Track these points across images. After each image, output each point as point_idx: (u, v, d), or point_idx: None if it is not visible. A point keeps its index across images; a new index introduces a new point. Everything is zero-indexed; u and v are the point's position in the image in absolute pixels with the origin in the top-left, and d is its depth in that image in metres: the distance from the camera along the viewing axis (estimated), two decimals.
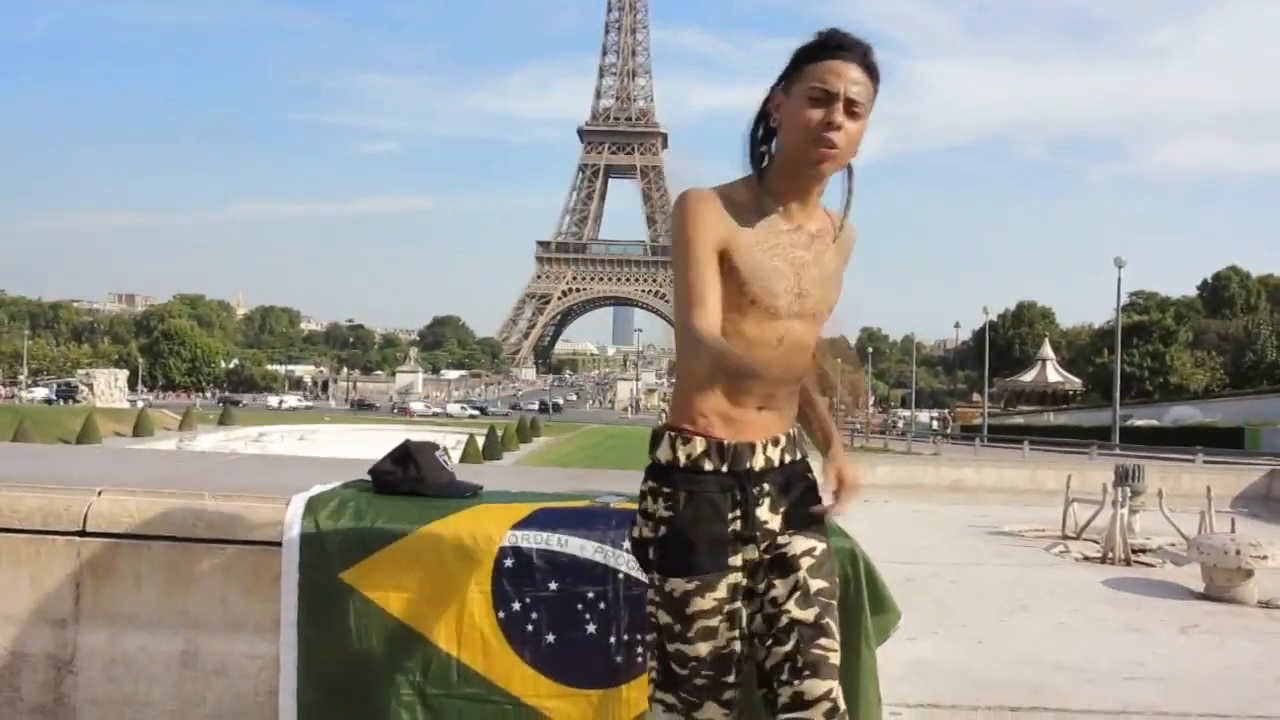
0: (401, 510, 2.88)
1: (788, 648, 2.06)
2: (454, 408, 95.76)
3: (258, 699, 2.81)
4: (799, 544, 2.13)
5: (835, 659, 2.07)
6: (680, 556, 2.06)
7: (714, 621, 2.06)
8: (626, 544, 2.73)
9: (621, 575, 2.76)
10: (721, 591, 2.06)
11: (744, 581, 2.10)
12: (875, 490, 7.49)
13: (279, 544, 2.80)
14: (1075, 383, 62.42)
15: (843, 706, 2.06)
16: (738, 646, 2.10)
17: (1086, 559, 5.72)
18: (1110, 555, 5.61)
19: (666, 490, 2.09)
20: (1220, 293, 73.56)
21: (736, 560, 2.09)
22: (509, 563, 2.79)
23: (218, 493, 2.95)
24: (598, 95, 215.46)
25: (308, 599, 2.79)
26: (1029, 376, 67.73)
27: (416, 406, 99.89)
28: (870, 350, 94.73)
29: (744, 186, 2.10)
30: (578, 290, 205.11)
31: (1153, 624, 4.23)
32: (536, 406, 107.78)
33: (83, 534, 2.84)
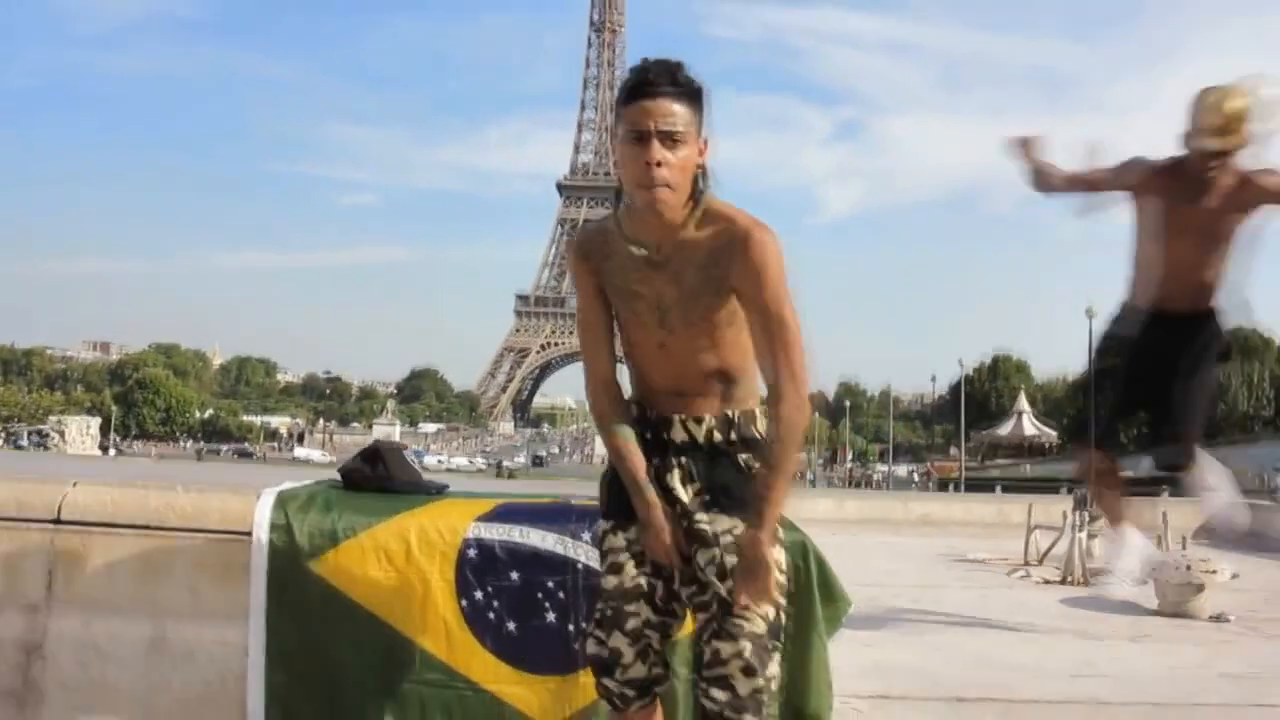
0: (369, 504, 2.97)
1: (707, 615, 2.28)
2: (459, 460, 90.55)
3: (224, 685, 2.87)
4: (721, 523, 2.32)
5: (749, 626, 2.22)
6: (606, 501, 2.43)
7: (621, 558, 2.35)
8: (586, 535, 2.85)
9: (581, 566, 2.85)
10: (631, 533, 2.36)
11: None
12: (844, 525, 7.55)
13: (249, 534, 2.88)
14: (1051, 435, 62.81)
15: (762, 667, 2.22)
16: (643, 583, 2.33)
17: (1047, 582, 5.83)
18: (1070, 578, 5.72)
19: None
20: None
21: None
22: (472, 553, 2.88)
23: (190, 486, 3.04)
24: (576, 150, 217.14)
25: (276, 587, 2.86)
26: (1005, 429, 68.07)
27: (314, 455, 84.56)
28: (848, 404, 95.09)
29: (617, 218, 2.35)
30: (556, 344, 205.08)
31: (1104, 633, 4.34)
32: (530, 460, 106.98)
33: (57, 522, 2.92)
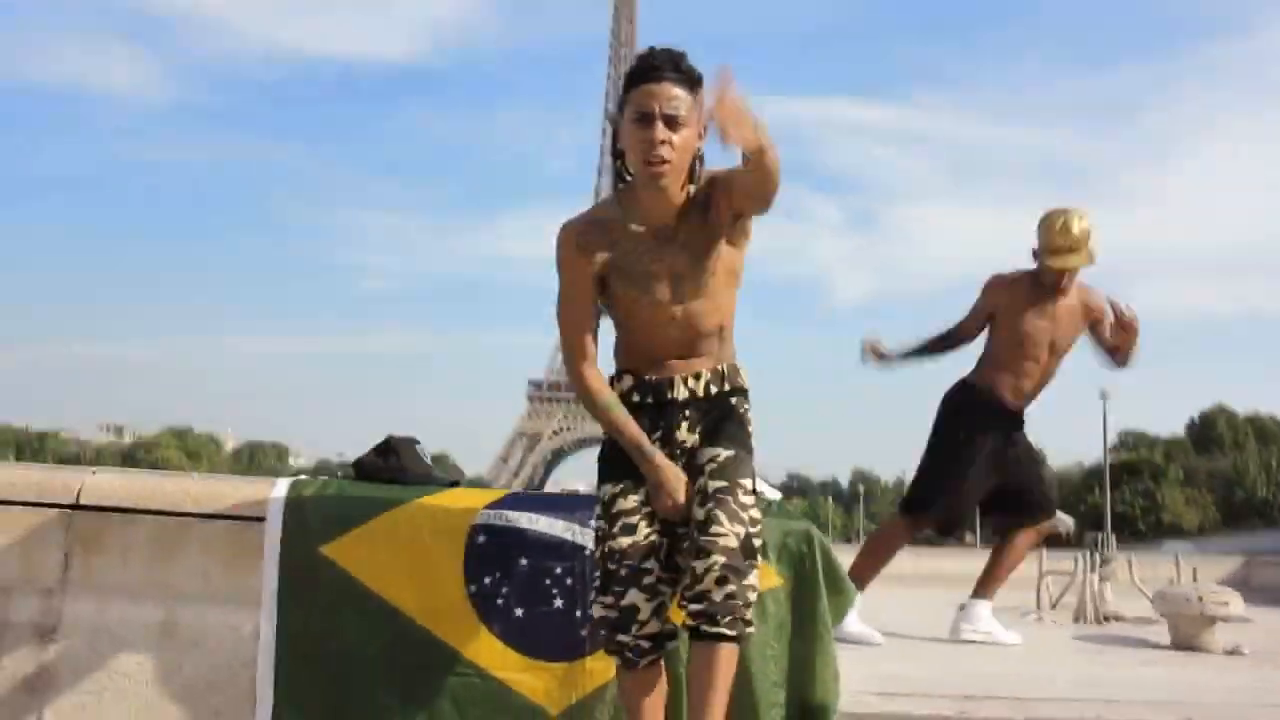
0: (382, 491, 3.02)
1: (689, 541, 2.41)
2: None
3: (233, 669, 2.89)
4: (706, 453, 2.52)
5: (725, 540, 2.35)
6: (610, 467, 2.54)
7: (634, 519, 2.45)
8: (593, 523, 2.88)
9: (588, 553, 2.87)
10: (641, 495, 2.49)
11: None
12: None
13: (262, 519, 2.93)
14: (1069, 522, 62.00)
15: (740, 576, 2.33)
16: (655, 539, 2.44)
17: (1056, 623, 5.79)
18: (1082, 619, 5.69)
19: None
20: (1208, 431, 73.93)
21: None
22: (481, 539, 2.91)
23: (206, 475, 3.09)
24: None
25: (288, 571, 2.90)
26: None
27: None
28: (862, 491, 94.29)
29: (613, 204, 2.54)
30: (568, 429, 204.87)
31: (1114, 660, 4.32)
32: None
33: (76, 507, 2.97)
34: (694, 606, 2.32)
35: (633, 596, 2.38)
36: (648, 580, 2.40)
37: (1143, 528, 55.38)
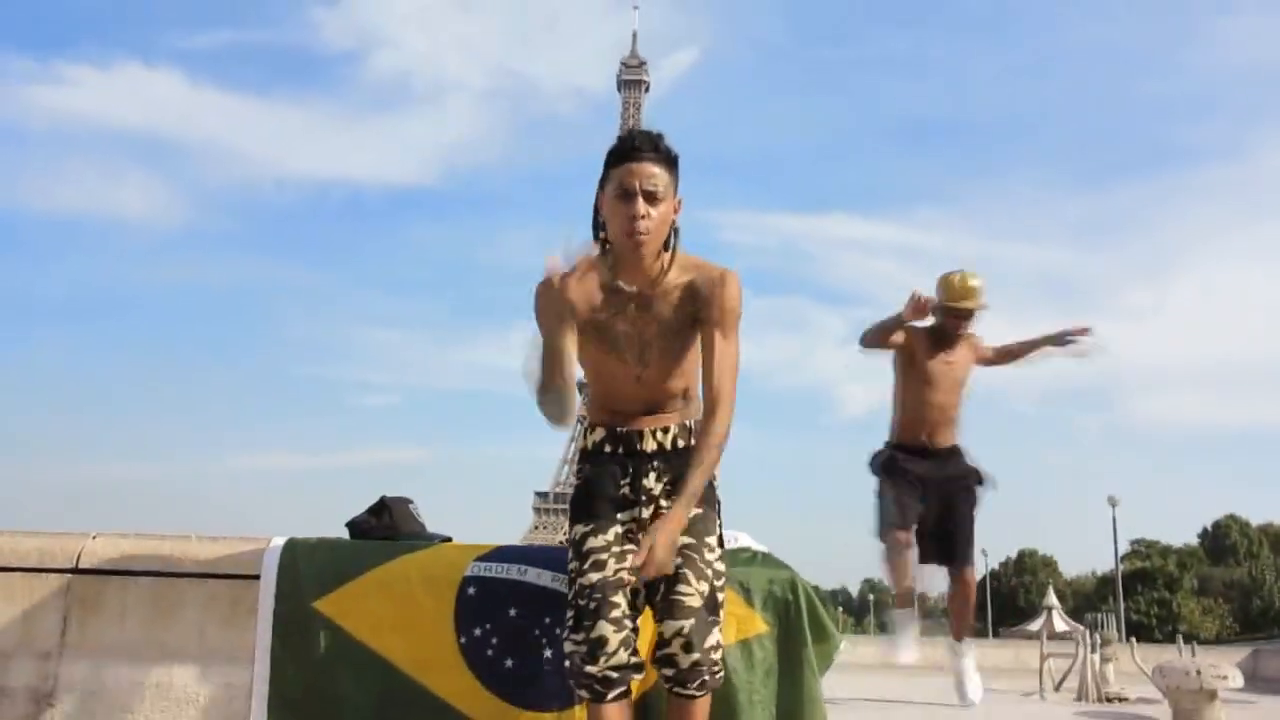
0: (374, 548, 3.09)
1: (657, 596, 2.55)
2: None
3: None
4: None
5: (691, 601, 2.50)
6: (582, 509, 2.66)
7: (604, 556, 2.56)
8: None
9: None
10: (610, 535, 2.60)
11: (629, 530, 2.63)
12: (853, 669, 7.48)
13: (258, 577, 2.99)
14: (1082, 631, 60.87)
15: (703, 639, 2.48)
16: (625, 576, 2.53)
17: (1059, 704, 5.74)
18: (1084, 698, 5.63)
19: (581, 467, 2.74)
20: (1221, 540, 72.99)
21: (624, 515, 2.65)
22: (471, 591, 2.97)
23: (204, 536, 3.17)
24: None
25: (281, 626, 2.95)
26: (1035, 625, 65.78)
27: None
28: (873, 600, 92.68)
29: (595, 265, 2.68)
30: None
31: None
32: None
33: (76, 570, 3.03)
34: (665, 670, 2.51)
35: (601, 628, 2.46)
36: (615, 613, 2.48)
37: (1159, 637, 54.21)
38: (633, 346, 2.65)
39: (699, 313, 2.61)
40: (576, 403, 2.65)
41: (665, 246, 2.62)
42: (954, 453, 4.96)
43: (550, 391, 2.61)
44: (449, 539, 3.26)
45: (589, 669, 2.46)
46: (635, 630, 2.53)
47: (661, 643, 2.50)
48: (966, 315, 4.82)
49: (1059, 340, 5.04)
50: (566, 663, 2.52)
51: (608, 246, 2.65)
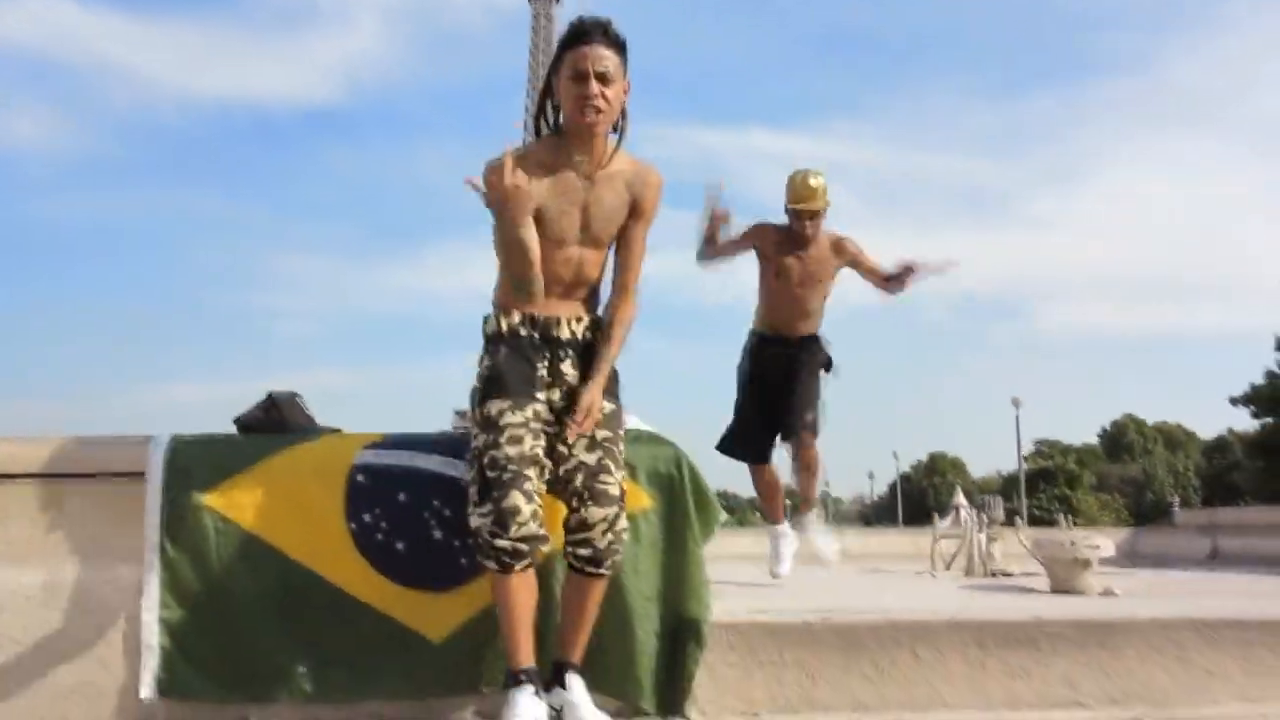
0: (262, 441, 3.10)
1: (576, 484, 2.69)
2: None
3: (118, 625, 2.93)
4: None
5: (614, 490, 2.69)
6: (499, 385, 2.73)
7: (521, 432, 2.65)
8: (469, 457, 3.00)
9: (465, 484, 2.99)
10: (528, 412, 2.69)
11: (546, 413, 2.74)
12: (762, 559, 7.67)
13: (143, 474, 2.98)
14: (970, 511, 63.31)
15: (620, 526, 2.68)
16: (540, 453, 2.66)
17: (947, 579, 6.02)
18: (971, 574, 5.93)
19: (492, 349, 2.80)
20: (1119, 439, 76.12)
21: (542, 396, 2.75)
22: (361, 479, 3.01)
23: (87, 437, 3.14)
24: None
25: (170, 522, 2.95)
26: (944, 524, 68.55)
27: None
28: (788, 504, 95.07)
29: (546, 146, 2.81)
30: None
31: (989, 597, 4.53)
32: None
33: None
34: (582, 551, 2.66)
35: (514, 499, 2.56)
36: (529, 486, 2.60)
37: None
38: (574, 229, 2.78)
39: (632, 205, 2.83)
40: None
41: (616, 130, 2.79)
42: (812, 340, 5.18)
43: (526, 286, 2.76)
44: (338, 430, 3.28)
45: (499, 540, 2.56)
46: (542, 506, 2.64)
47: (583, 526, 2.65)
48: (809, 216, 4.97)
49: (922, 269, 5.05)
50: (475, 534, 2.61)
51: (555, 130, 2.79)
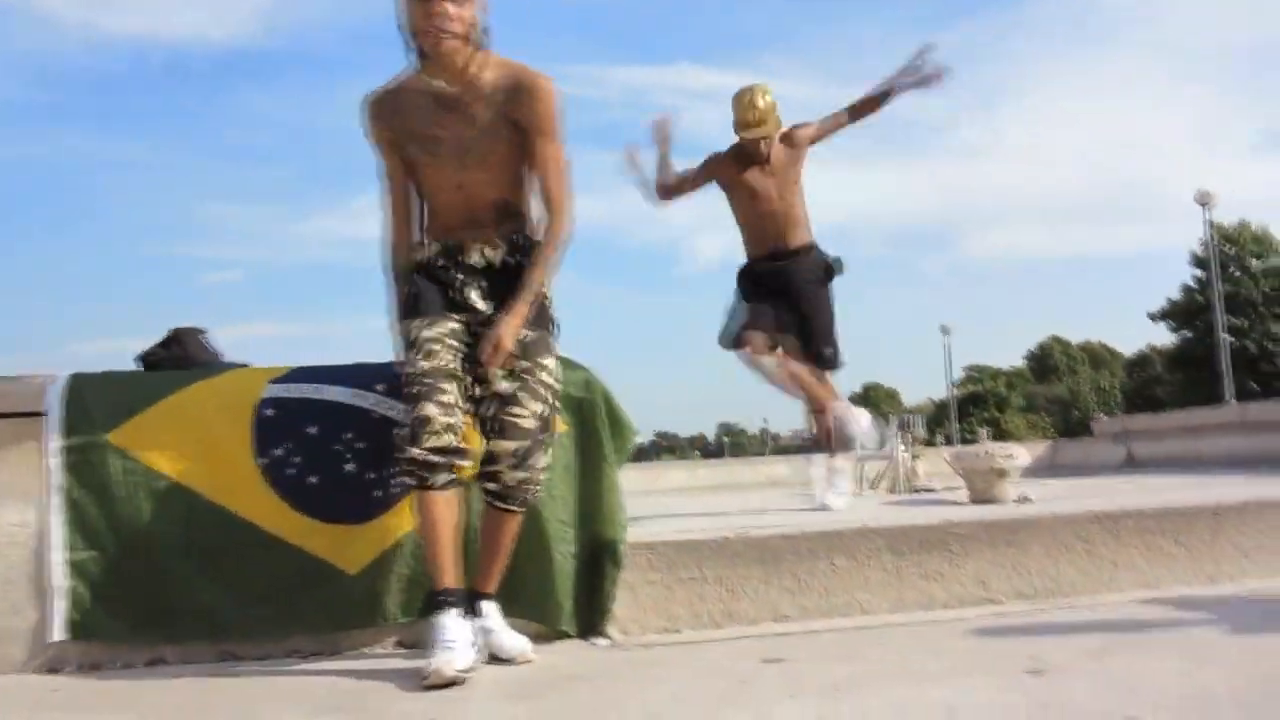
0: (166, 378, 3.04)
1: (490, 413, 2.64)
2: None
3: (25, 566, 2.86)
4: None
5: (526, 423, 2.61)
6: (414, 307, 2.69)
7: (435, 346, 2.60)
8: (381, 387, 2.96)
9: (378, 416, 2.96)
10: (443, 328, 2.64)
11: (461, 332, 2.68)
12: (696, 491, 7.75)
13: (43, 414, 2.90)
14: (893, 432, 64.98)
15: (536, 463, 2.62)
16: (454, 367, 2.61)
17: (872, 496, 6.13)
18: (896, 490, 6.05)
19: (413, 277, 2.75)
20: (1046, 360, 77.92)
21: (455, 316, 2.68)
22: (269, 412, 2.96)
23: None
24: None
25: (74, 463, 2.88)
26: (887, 447, 70.09)
27: None
28: (728, 442, 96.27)
29: (408, 73, 2.71)
30: None
31: (914, 508, 4.60)
32: None
33: None
34: (490, 485, 2.61)
35: (427, 409, 2.52)
36: (443, 398, 2.55)
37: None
38: (452, 152, 2.67)
39: (518, 120, 2.66)
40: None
41: (474, 48, 2.63)
42: (806, 251, 4.96)
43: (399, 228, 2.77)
44: (245, 365, 3.23)
45: (412, 450, 2.51)
46: (462, 421, 2.59)
47: (490, 460, 2.60)
48: (761, 140, 4.82)
49: (903, 79, 4.83)
50: (395, 449, 2.58)
51: (416, 54, 2.66)
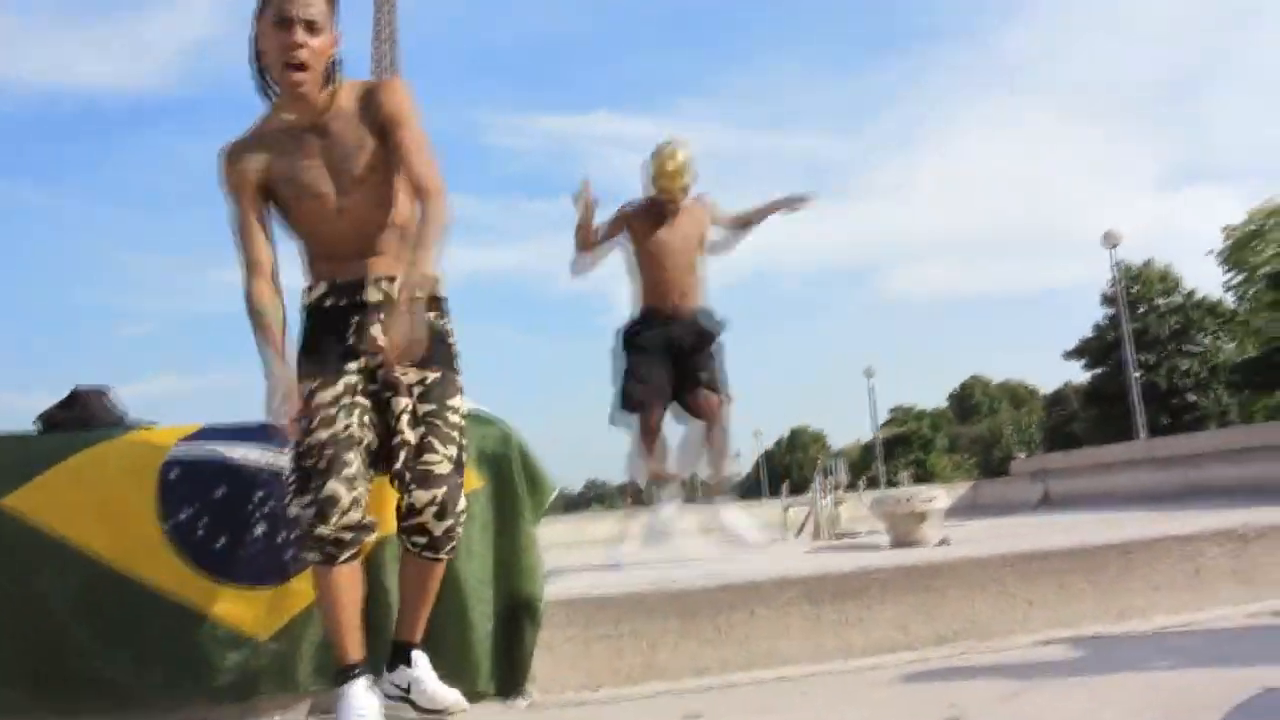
0: (66, 439, 2.94)
1: (399, 465, 2.53)
2: None
3: None
4: (413, 373, 2.60)
5: (441, 468, 2.52)
6: (306, 364, 2.57)
7: (332, 411, 2.50)
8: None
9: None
10: (339, 388, 2.53)
11: (360, 384, 2.57)
12: (628, 540, 7.66)
13: None
14: (852, 494, 65.57)
15: (453, 505, 2.52)
16: (355, 433, 2.51)
17: (795, 542, 6.16)
18: (819, 537, 6.09)
19: (304, 326, 2.65)
20: (967, 400, 79.53)
21: (352, 365, 2.57)
22: (175, 474, 2.88)
23: None
24: None
25: None
26: (810, 493, 70.55)
27: None
28: (656, 489, 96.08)
29: (264, 116, 2.64)
30: None
31: (829, 557, 4.63)
32: None
33: None
34: (416, 539, 2.52)
35: (332, 486, 2.42)
36: (347, 471, 2.45)
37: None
38: (325, 179, 2.57)
39: (378, 121, 2.57)
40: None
41: (328, 81, 2.57)
42: (704, 312, 5.12)
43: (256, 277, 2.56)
44: (152, 425, 3.14)
45: (320, 530, 2.42)
46: (367, 491, 2.51)
47: (412, 512, 2.50)
48: (679, 194, 4.98)
49: (784, 205, 5.29)
50: (292, 526, 2.49)
51: (272, 87, 2.59)
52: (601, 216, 5.02)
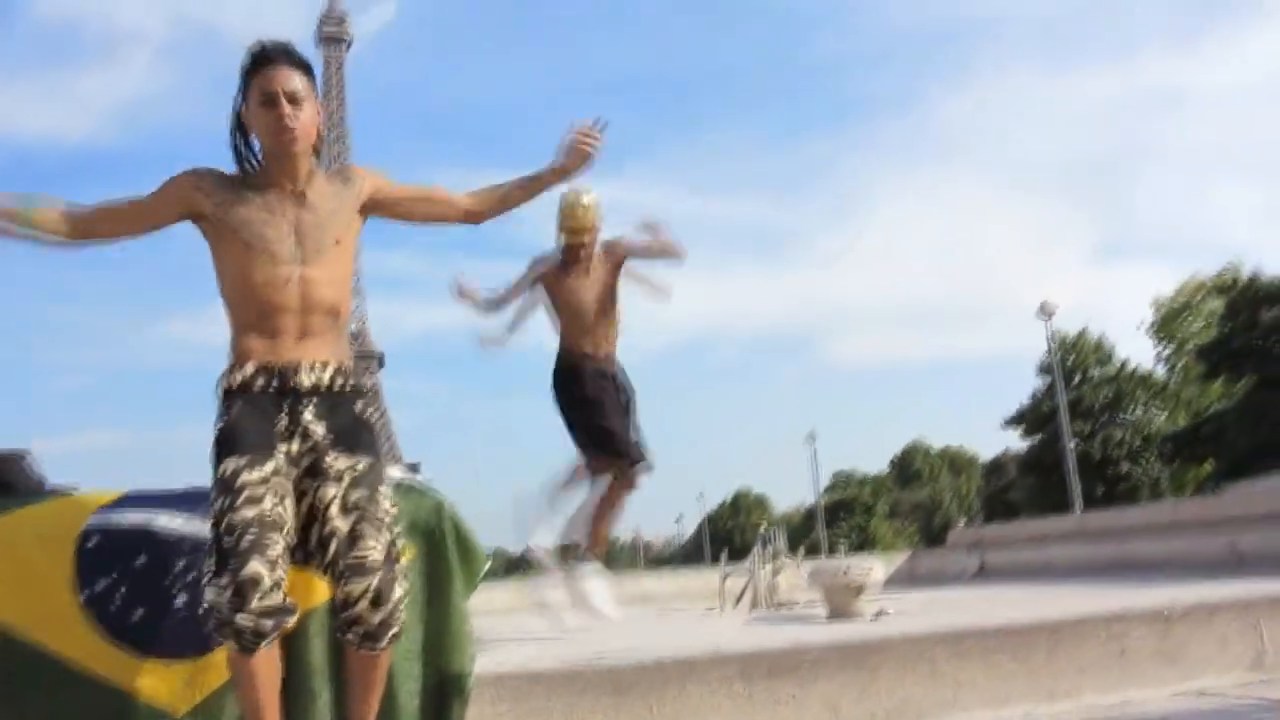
0: None
1: (329, 555, 2.45)
2: None
3: None
4: (343, 461, 2.55)
5: (374, 556, 2.44)
6: (233, 442, 2.48)
7: (260, 491, 2.41)
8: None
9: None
10: (268, 469, 2.45)
11: (286, 469, 2.50)
12: (561, 609, 7.58)
13: None
14: (790, 563, 65.57)
15: (391, 593, 2.43)
16: (280, 516, 2.43)
17: (734, 613, 6.13)
18: (758, 607, 6.07)
19: (227, 405, 2.55)
20: (908, 466, 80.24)
21: (282, 449, 2.51)
22: (92, 543, 2.80)
23: None
24: None
25: None
26: (749, 562, 70.40)
27: None
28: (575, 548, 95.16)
29: (248, 178, 2.64)
30: None
31: (767, 630, 4.63)
32: None
33: None
34: (355, 630, 2.42)
35: (254, 567, 2.32)
36: (271, 553, 2.35)
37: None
38: (288, 241, 2.54)
39: (361, 196, 2.68)
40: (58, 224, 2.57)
41: (317, 155, 2.64)
42: (613, 362, 5.16)
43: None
44: (73, 489, 3.05)
45: (239, 617, 2.31)
46: (285, 576, 2.40)
47: (348, 604, 2.40)
48: (588, 239, 5.02)
49: (673, 250, 5.11)
50: (209, 610, 2.36)
51: (253, 164, 2.62)
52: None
